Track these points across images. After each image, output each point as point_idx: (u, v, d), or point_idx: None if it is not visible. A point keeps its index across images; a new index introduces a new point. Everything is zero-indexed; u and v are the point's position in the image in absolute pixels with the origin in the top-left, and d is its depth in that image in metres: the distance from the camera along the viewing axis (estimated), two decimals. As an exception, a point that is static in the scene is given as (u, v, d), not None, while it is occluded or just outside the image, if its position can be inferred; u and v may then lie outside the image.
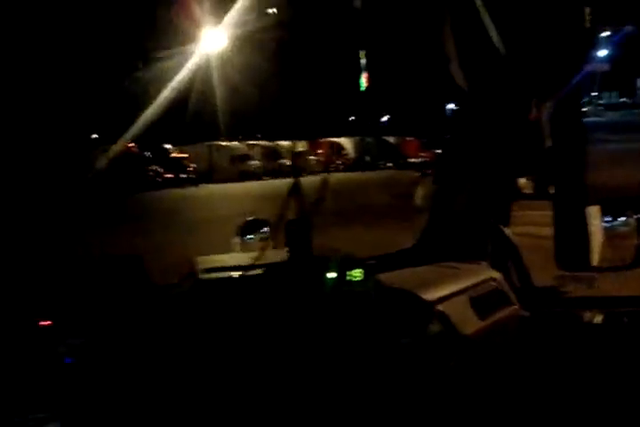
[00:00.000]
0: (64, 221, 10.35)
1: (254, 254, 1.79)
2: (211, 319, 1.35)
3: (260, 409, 1.26)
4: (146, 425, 1.26)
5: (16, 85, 20.67)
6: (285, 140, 30.06)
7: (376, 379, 1.31)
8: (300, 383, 1.28)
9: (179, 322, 1.37)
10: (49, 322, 1.31)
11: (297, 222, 1.72)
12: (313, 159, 30.58)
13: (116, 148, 21.47)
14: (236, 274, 1.61)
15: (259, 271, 1.56)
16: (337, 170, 29.18)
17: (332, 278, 1.40)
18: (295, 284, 1.43)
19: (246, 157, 27.98)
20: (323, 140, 31.48)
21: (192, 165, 25.71)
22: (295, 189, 1.83)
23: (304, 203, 1.80)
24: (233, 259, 1.82)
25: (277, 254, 1.75)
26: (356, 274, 1.40)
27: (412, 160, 27.48)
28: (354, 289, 1.41)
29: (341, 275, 1.40)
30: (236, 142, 28.91)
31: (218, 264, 1.67)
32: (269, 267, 1.56)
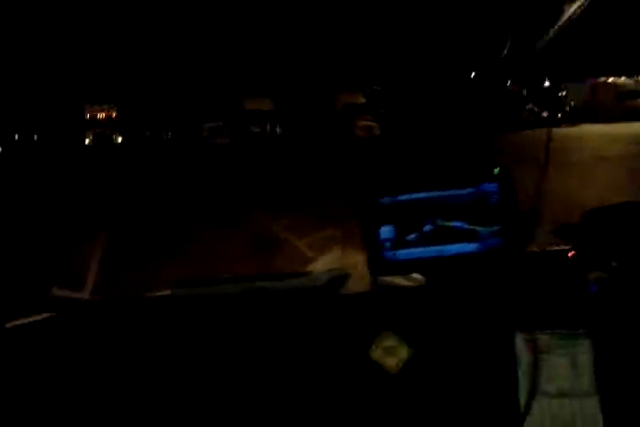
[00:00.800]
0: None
1: None
2: None
3: None
4: None
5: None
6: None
7: None
8: None
9: None
10: (574, 253, 1.46)
11: None
12: None
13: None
14: None
15: None
16: None
17: None
18: None
19: (636, 94, 24.76)
20: None
21: (570, 102, 24.15)
22: None
23: None
24: None
25: None
26: None
27: None
28: None
29: None
30: (622, 78, 25.94)
31: None
32: None
